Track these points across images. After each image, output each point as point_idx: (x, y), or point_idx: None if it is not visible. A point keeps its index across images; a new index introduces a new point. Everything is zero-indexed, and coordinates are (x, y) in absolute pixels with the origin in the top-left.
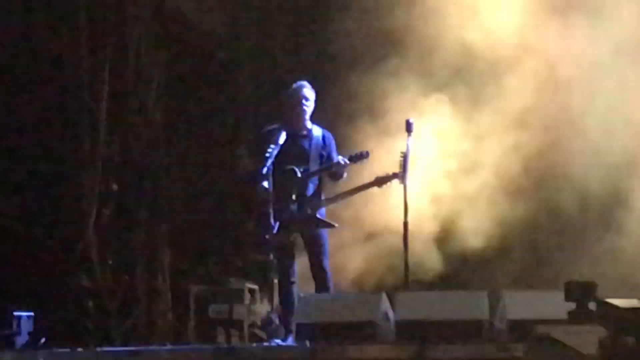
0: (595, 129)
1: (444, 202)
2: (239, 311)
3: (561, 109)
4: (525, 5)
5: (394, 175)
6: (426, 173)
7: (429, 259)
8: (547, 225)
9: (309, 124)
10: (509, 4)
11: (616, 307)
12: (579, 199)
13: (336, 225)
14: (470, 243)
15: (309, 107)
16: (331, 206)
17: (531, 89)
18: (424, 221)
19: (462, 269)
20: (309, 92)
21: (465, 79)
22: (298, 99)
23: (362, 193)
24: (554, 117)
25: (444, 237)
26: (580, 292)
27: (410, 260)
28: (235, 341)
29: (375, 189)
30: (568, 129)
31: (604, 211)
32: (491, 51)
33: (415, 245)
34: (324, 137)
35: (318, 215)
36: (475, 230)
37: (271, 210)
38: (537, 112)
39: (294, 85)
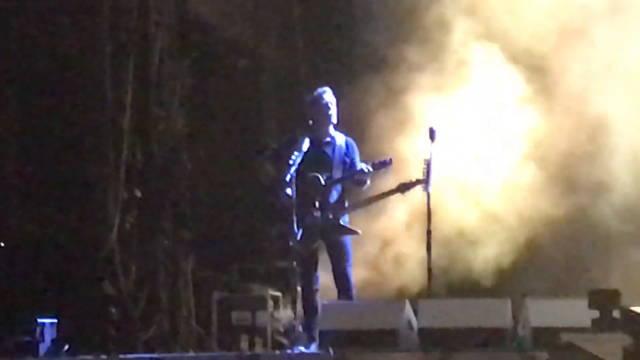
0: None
1: (474, 207)
2: (262, 318)
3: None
4: None
5: (417, 182)
6: (455, 178)
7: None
8: (582, 234)
9: (332, 131)
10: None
11: (638, 315)
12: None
13: (359, 232)
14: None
15: (333, 113)
16: (355, 213)
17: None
18: (451, 228)
19: (492, 277)
20: (331, 97)
21: None
22: (321, 105)
23: (385, 199)
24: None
25: (472, 245)
26: (604, 300)
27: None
28: (258, 348)
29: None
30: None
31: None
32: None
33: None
34: (347, 144)
35: (341, 222)
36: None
37: (294, 217)
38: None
39: (316, 92)
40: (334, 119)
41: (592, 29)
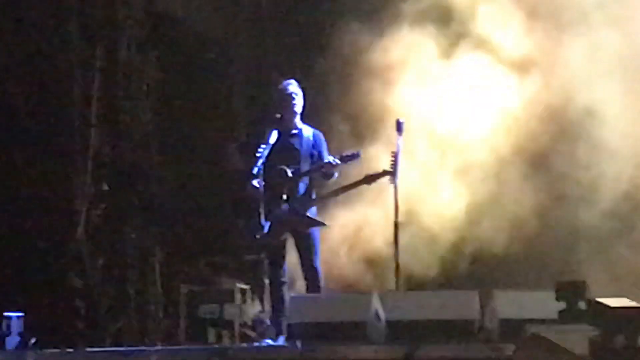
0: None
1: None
2: (230, 311)
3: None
4: None
5: (384, 173)
6: (424, 170)
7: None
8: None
9: (299, 123)
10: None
11: (606, 307)
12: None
13: (327, 224)
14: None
15: (298, 103)
16: (321, 205)
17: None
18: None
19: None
20: (296, 88)
21: None
22: (285, 96)
23: (352, 191)
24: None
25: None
26: (571, 291)
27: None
28: (226, 341)
29: (365, 186)
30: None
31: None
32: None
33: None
34: (314, 137)
35: (308, 215)
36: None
37: (262, 210)
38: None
39: (282, 84)
40: (298, 109)
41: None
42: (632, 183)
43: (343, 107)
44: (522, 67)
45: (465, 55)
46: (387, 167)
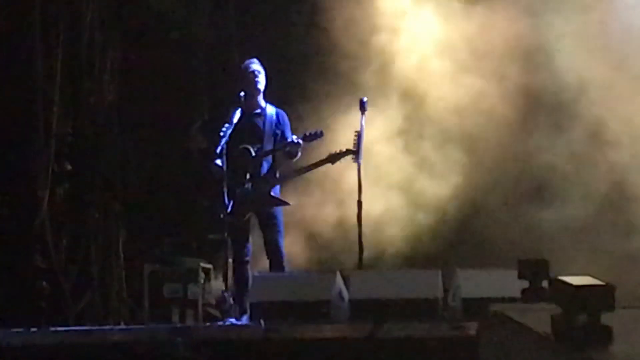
0: None
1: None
2: (194, 290)
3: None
4: None
5: (347, 152)
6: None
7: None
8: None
9: (262, 102)
10: None
11: (568, 285)
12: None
13: (290, 203)
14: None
15: (260, 81)
16: (285, 184)
17: None
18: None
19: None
20: (258, 67)
21: None
22: (246, 74)
23: (316, 170)
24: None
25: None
26: (534, 270)
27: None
28: (189, 321)
29: (329, 165)
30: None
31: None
32: None
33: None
34: (277, 115)
35: (272, 194)
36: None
37: (225, 189)
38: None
39: (245, 62)
40: (261, 87)
41: None
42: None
43: (306, 85)
44: None
45: None
46: (350, 147)
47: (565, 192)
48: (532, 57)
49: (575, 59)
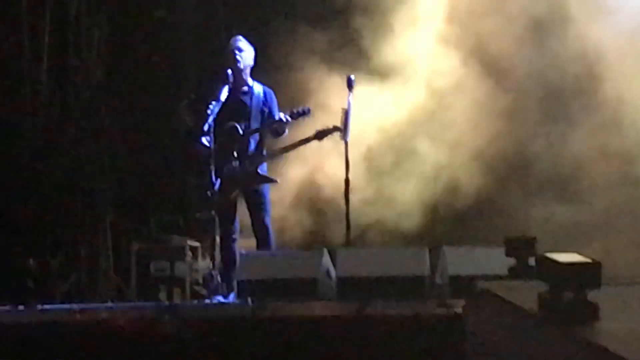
0: None
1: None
2: (181, 268)
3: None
4: None
5: (335, 129)
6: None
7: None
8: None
9: (249, 81)
10: None
11: (555, 262)
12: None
13: (277, 180)
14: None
15: (244, 58)
16: (272, 161)
17: None
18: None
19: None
20: (243, 44)
21: None
22: (229, 52)
23: (303, 147)
24: None
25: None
26: (521, 247)
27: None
28: (176, 299)
29: (316, 143)
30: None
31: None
32: None
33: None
34: (265, 94)
35: (259, 171)
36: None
37: (212, 167)
38: None
39: (230, 40)
40: (243, 65)
41: None
42: None
43: (294, 63)
44: None
45: None
46: (338, 124)
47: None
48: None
49: None
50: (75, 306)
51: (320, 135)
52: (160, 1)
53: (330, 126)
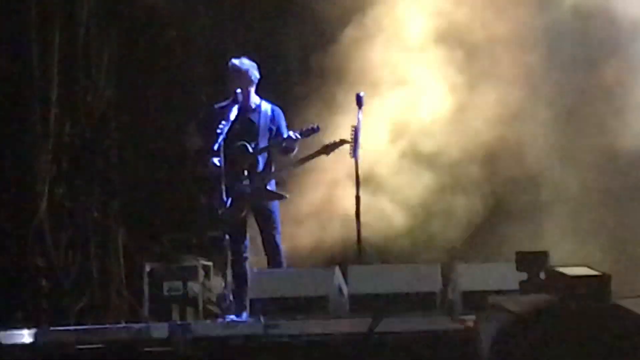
0: None
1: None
2: (193, 288)
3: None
4: None
5: (342, 142)
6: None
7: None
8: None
9: (256, 99)
10: None
11: (563, 275)
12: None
13: (287, 195)
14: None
15: (235, 81)
16: (280, 176)
17: None
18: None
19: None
20: (241, 64)
21: None
22: (231, 72)
23: (314, 164)
24: None
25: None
26: (531, 262)
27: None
28: (189, 318)
29: (326, 160)
30: None
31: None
32: None
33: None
34: (273, 111)
35: (268, 188)
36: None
37: (223, 187)
38: None
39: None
40: (240, 85)
41: None
42: None
43: (303, 82)
44: None
45: None
46: (344, 137)
47: None
48: None
49: None
50: (87, 327)
51: (328, 149)
52: (169, 20)
53: (337, 140)
